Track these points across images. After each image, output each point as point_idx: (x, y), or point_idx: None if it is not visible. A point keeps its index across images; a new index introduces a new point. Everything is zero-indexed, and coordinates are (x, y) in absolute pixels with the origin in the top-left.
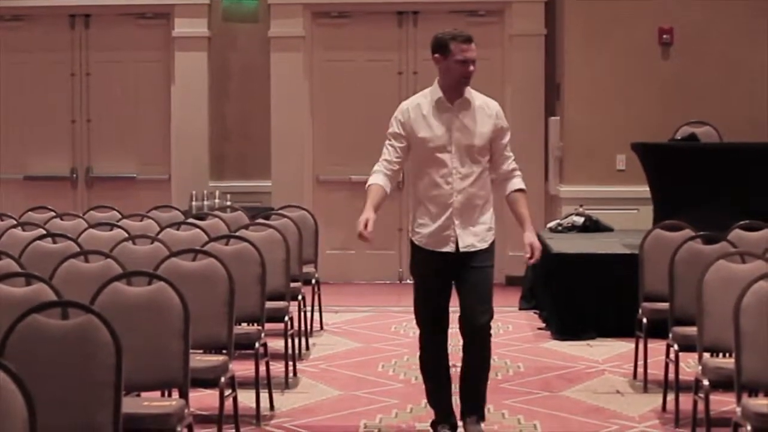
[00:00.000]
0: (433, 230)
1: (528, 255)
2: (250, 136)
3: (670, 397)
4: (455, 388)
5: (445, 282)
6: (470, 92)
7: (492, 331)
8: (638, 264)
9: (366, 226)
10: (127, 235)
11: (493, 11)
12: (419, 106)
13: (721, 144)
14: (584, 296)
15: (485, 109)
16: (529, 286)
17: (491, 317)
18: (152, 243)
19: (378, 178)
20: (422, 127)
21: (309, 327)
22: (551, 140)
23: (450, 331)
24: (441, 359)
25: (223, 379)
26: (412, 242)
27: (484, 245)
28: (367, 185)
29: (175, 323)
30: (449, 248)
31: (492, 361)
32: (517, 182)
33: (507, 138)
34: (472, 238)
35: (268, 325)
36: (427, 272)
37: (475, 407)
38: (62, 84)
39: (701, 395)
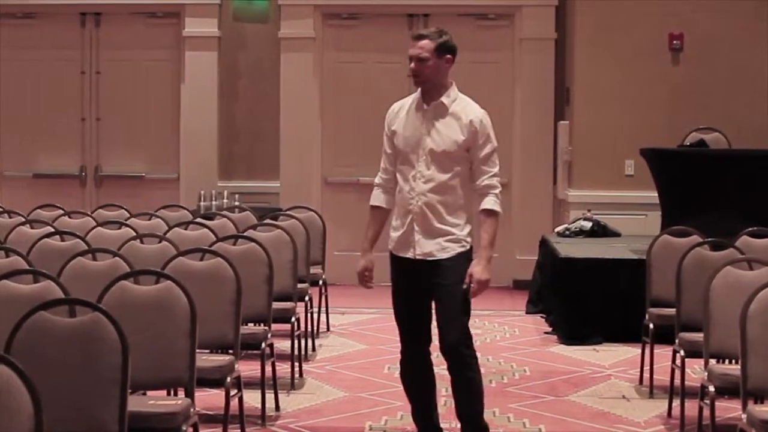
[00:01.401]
0: (400, 234)
1: (466, 285)
2: (259, 136)
3: (676, 402)
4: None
5: (414, 291)
6: (451, 96)
7: (469, 351)
8: (645, 269)
9: (365, 276)
10: (135, 234)
11: (503, 15)
12: (403, 106)
13: (729, 150)
14: (591, 301)
15: (461, 117)
16: (536, 290)
17: (462, 336)
18: (160, 242)
19: (376, 198)
20: (399, 126)
21: (315, 328)
22: (560, 144)
23: None
24: (417, 372)
25: (229, 379)
26: None
27: (444, 255)
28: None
29: (182, 322)
30: (410, 254)
31: (498, 364)
32: (487, 201)
33: (485, 151)
34: (431, 246)
35: (274, 326)
36: (396, 277)
37: (467, 430)
38: (72, 82)
39: (707, 401)
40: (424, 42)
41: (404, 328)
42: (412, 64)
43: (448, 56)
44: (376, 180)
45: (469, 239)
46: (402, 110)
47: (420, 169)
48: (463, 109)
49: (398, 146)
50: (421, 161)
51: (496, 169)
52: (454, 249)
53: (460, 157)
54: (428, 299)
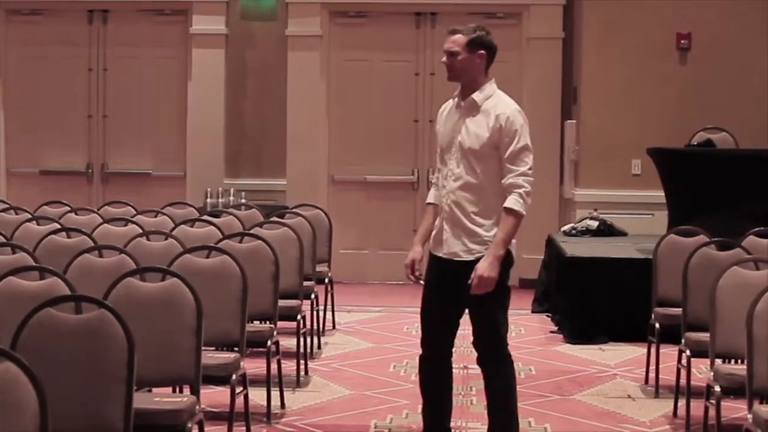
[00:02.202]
0: (435, 232)
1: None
2: (266, 134)
3: (682, 402)
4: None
5: (440, 291)
6: (484, 92)
7: (498, 360)
8: (652, 269)
9: (412, 268)
10: (141, 231)
11: (511, 14)
12: (448, 104)
13: (737, 150)
14: (597, 300)
15: (489, 114)
16: (542, 289)
17: (494, 351)
18: (166, 239)
19: (430, 195)
20: (441, 124)
21: (321, 326)
22: (567, 143)
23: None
24: (432, 373)
25: (234, 377)
26: None
27: (469, 257)
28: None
29: (188, 320)
30: (440, 252)
31: None
32: (509, 200)
33: (511, 148)
34: (457, 246)
35: (280, 324)
36: (428, 275)
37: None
38: (79, 79)
39: (713, 401)
40: (457, 36)
41: (425, 327)
42: (444, 59)
43: (481, 51)
44: (431, 178)
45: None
46: (446, 108)
47: (451, 167)
48: (494, 106)
49: (440, 144)
50: (453, 159)
51: (523, 168)
52: (479, 251)
53: (488, 155)
54: (455, 305)
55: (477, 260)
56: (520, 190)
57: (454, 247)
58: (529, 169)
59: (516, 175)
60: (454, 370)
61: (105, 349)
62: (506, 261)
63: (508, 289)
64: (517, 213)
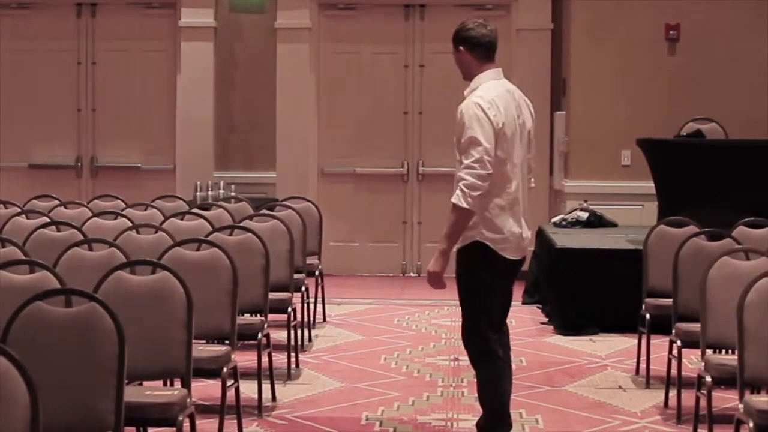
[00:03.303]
0: None
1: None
2: (256, 127)
3: (673, 393)
4: None
5: None
6: (470, 87)
7: (472, 349)
8: (642, 260)
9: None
10: (131, 224)
11: (499, 5)
12: None
13: (726, 141)
14: (587, 291)
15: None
16: (532, 281)
17: (464, 331)
18: (156, 232)
19: None
20: None
21: (312, 318)
22: (556, 135)
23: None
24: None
25: (225, 370)
26: None
27: (459, 245)
28: None
29: (179, 313)
30: None
31: None
32: (454, 194)
33: (462, 141)
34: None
35: (271, 316)
36: None
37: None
38: (68, 73)
39: (704, 392)
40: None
41: None
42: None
43: (460, 47)
44: None
45: (472, 233)
46: None
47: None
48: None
49: None
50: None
51: (468, 161)
52: (465, 240)
53: (461, 148)
54: None
55: (460, 248)
56: (463, 183)
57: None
58: (475, 162)
59: (462, 168)
60: (444, 362)
61: (95, 343)
62: (475, 256)
63: (486, 287)
64: (455, 207)
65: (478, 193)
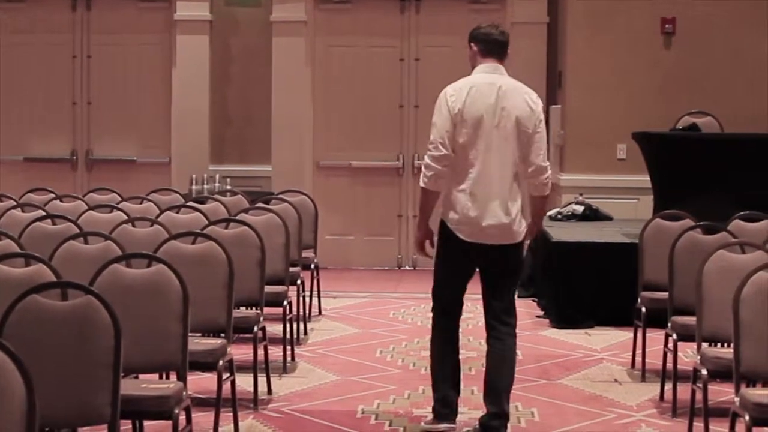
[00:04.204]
0: None
1: None
2: (251, 120)
3: (668, 386)
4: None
5: None
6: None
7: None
8: (638, 253)
9: None
10: (126, 218)
11: None
12: None
13: (722, 134)
14: (583, 285)
15: None
16: (528, 274)
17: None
18: (152, 226)
19: None
20: None
21: (307, 312)
22: (552, 128)
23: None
24: None
25: (221, 363)
26: None
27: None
28: None
29: (174, 306)
30: None
31: None
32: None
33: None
34: None
35: (266, 310)
36: None
37: None
38: (63, 66)
39: (699, 385)
40: None
41: None
42: None
43: (470, 44)
44: None
45: (441, 210)
46: None
47: None
48: None
49: None
50: None
51: (429, 145)
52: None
53: None
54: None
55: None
56: (423, 164)
57: None
58: (430, 143)
59: (425, 157)
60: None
61: (91, 336)
62: (440, 231)
63: (443, 259)
64: (421, 187)
65: (432, 173)
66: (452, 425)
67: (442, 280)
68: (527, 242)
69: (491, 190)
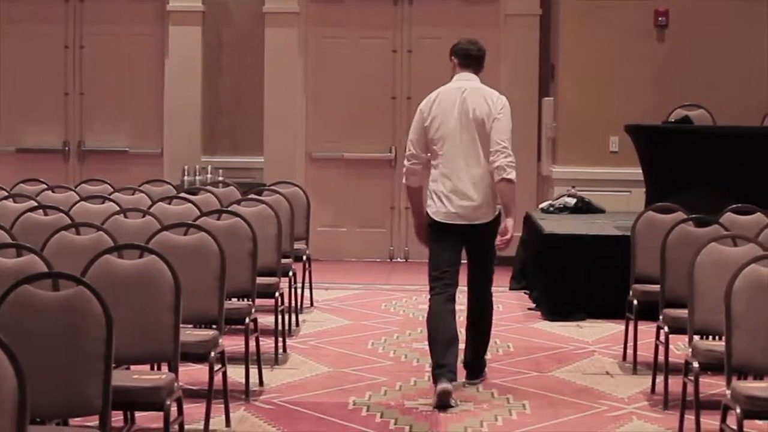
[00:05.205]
0: None
1: None
2: (243, 111)
3: (660, 379)
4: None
5: None
6: None
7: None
8: (630, 246)
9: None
10: (118, 209)
11: None
12: None
13: (714, 127)
14: (575, 277)
15: None
16: (519, 267)
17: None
18: (144, 217)
19: None
20: None
21: (299, 303)
22: (545, 121)
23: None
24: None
25: (212, 354)
26: None
27: None
28: None
29: (166, 297)
30: None
31: None
32: None
33: None
34: None
35: (258, 301)
36: None
37: None
38: (56, 57)
39: (691, 377)
40: None
41: None
42: None
43: (452, 57)
44: None
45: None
46: None
47: None
48: None
49: None
50: None
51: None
52: None
53: None
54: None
55: None
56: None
57: None
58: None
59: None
60: None
61: (83, 327)
62: (427, 220)
63: (431, 241)
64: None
65: (405, 169)
66: (445, 385)
67: (434, 257)
68: (503, 225)
69: (460, 178)
